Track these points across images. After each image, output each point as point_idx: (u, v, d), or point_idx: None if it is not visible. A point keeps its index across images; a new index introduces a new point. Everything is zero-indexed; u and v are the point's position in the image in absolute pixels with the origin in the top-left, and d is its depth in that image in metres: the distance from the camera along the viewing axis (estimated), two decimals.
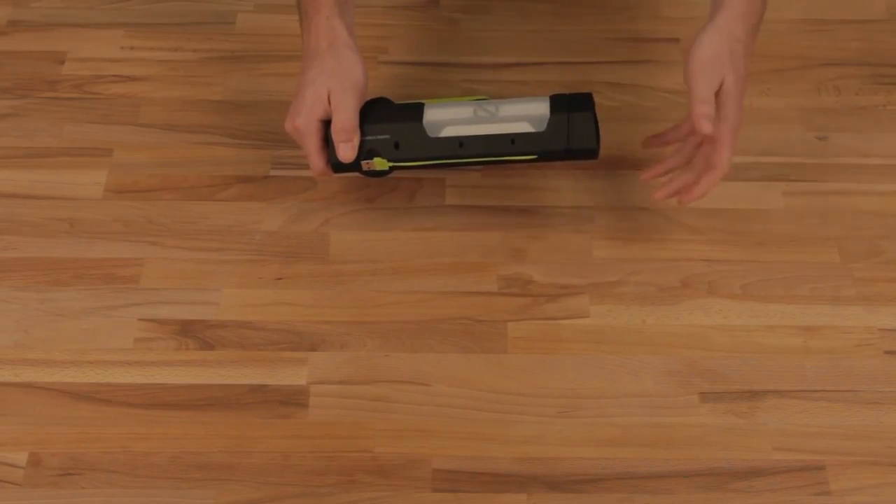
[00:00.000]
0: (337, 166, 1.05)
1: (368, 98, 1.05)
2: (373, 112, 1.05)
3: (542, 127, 1.02)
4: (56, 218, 1.12)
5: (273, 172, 1.16)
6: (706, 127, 0.98)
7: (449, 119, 1.04)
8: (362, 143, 1.04)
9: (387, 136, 1.04)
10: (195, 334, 1.03)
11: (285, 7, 1.32)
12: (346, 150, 1.04)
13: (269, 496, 0.94)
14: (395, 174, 1.15)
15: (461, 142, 1.03)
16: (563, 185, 1.15)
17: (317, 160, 1.05)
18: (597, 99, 1.05)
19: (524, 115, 1.03)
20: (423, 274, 1.09)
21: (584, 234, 1.12)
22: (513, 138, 1.03)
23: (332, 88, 1.03)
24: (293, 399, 1.00)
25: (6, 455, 0.96)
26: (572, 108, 1.03)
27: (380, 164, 1.05)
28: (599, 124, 1.04)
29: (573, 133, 1.03)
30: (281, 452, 0.96)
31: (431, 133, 1.04)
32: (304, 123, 1.03)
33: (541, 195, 1.14)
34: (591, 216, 1.13)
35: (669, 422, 0.99)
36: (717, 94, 1.00)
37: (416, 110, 1.05)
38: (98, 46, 1.28)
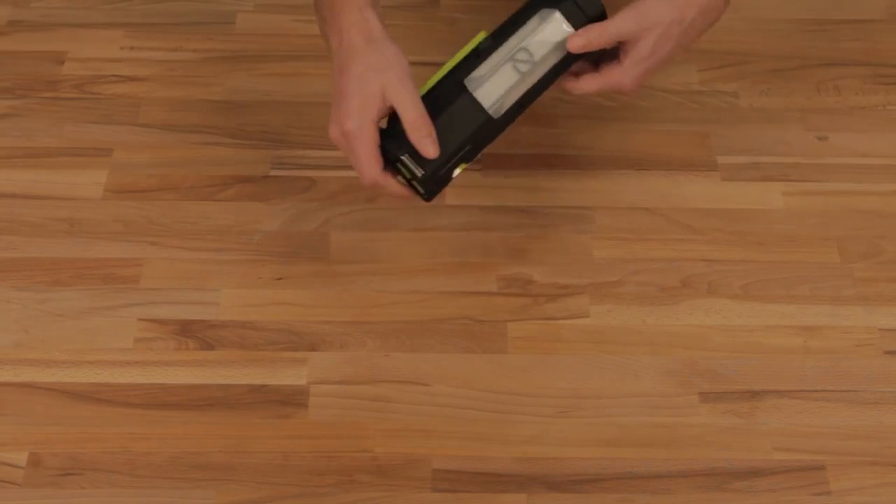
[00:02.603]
0: (428, 181, 0.97)
1: None
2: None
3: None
4: (56, 218, 1.12)
5: (273, 172, 1.16)
6: (572, 41, 1.00)
7: (504, 93, 1.00)
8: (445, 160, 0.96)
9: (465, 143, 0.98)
10: (195, 334, 1.03)
11: (285, 7, 1.33)
12: (429, 146, 0.95)
13: (268, 496, 0.94)
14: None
15: (521, 102, 1.01)
16: (563, 185, 1.15)
17: (372, 166, 0.96)
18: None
19: (553, 42, 1.01)
20: (423, 274, 1.09)
21: (584, 234, 1.12)
22: (556, 69, 1.02)
23: (387, 83, 0.95)
24: (293, 399, 1.00)
25: (6, 455, 0.96)
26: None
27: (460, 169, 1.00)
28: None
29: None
30: (281, 452, 0.96)
31: (496, 115, 0.99)
32: (356, 126, 0.94)
33: (541, 195, 1.14)
34: (591, 216, 1.13)
35: (669, 422, 0.99)
36: (625, 47, 1.02)
37: (467, 101, 0.98)
38: (98, 46, 1.28)
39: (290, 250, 1.10)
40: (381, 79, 0.95)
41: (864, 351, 1.03)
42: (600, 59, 1.04)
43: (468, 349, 1.03)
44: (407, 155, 0.96)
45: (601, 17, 1.02)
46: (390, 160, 0.97)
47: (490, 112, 0.99)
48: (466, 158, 0.99)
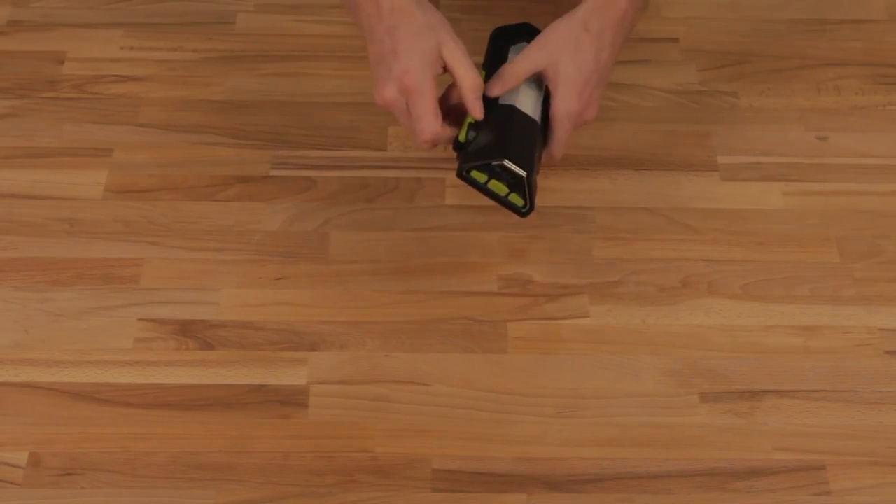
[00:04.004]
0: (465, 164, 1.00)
1: None
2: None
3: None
4: (56, 218, 1.12)
5: (273, 172, 1.16)
6: (489, 88, 1.01)
7: (534, 104, 1.04)
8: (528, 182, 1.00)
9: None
10: (195, 334, 1.03)
11: (285, 7, 1.33)
12: (478, 108, 0.98)
13: (269, 496, 0.94)
14: (395, 174, 1.16)
15: (543, 112, 1.05)
16: (563, 185, 1.15)
17: (435, 120, 0.96)
18: None
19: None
20: (423, 274, 1.09)
21: (584, 234, 1.12)
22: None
23: (443, 41, 0.95)
24: (293, 399, 1.00)
25: (6, 455, 0.96)
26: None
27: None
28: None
29: None
30: (281, 452, 0.96)
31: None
32: (418, 80, 0.94)
33: (541, 195, 1.14)
34: (591, 216, 1.13)
35: (669, 422, 0.99)
36: (549, 77, 1.02)
37: (519, 114, 1.02)
38: (98, 46, 1.28)
39: (290, 250, 1.10)
40: (436, 36, 0.96)
41: (864, 351, 1.03)
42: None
43: (468, 349, 1.03)
44: (508, 159, 0.99)
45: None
46: (484, 168, 1.00)
47: (537, 119, 1.03)
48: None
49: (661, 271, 1.09)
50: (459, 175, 1.01)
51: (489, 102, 1.03)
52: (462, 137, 1.02)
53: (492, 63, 1.07)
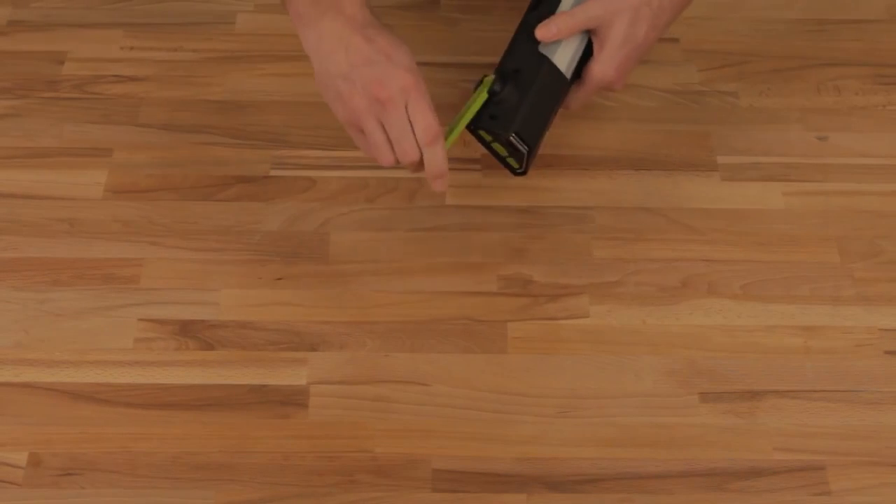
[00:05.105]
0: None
1: None
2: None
3: None
4: (56, 218, 1.12)
5: (273, 172, 1.16)
6: (541, 30, 1.01)
7: (573, 54, 1.03)
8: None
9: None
10: (195, 334, 1.03)
11: None
12: (439, 185, 0.99)
13: (269, 496, 0.94)
14: (395, 174, 1.16)
15: (582, 60, 1.04)
16: (563, 185, 1.15)
17: (435, 118, 0.96)
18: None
19: None
20: (423, 274, 1.09)
21: (584, 234, 1.12)
22: None
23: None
24: (293, 399, 1.00)
25: (6, 455, 0.96)
26: None
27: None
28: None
29: None
30: (281, 452, 0.96)
31: (569, 77, 1.03)
32: (415, 79, 0.95)
33: (541, 195, 1.14)
34: (591, 216, 1.13)
35: (669, 422, 0.99)
36: (598, 35, 1.02)
37: (548, 69, 1.02)
38: (98, 46, 1.28)
39: (290, 250, 1.10)
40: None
41: (864, 351, 1.03)
42: (581, 65, 1.05)
43: (468, 349, 1.03)
44: (514, 135, 1.01)
45: None
46: (488, 139, 1.02)
47: (567, 76, 1.02)
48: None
49: (661, 271, 1.09)
50: (467, 128, 1.03)
51: (527, 45, 1.02)
52: (487, 85, 1.01)
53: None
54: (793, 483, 0.95)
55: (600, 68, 1.03)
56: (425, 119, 0.96)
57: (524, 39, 1.04)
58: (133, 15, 1.32)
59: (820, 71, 1.28)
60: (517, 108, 1.02)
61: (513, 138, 1.01)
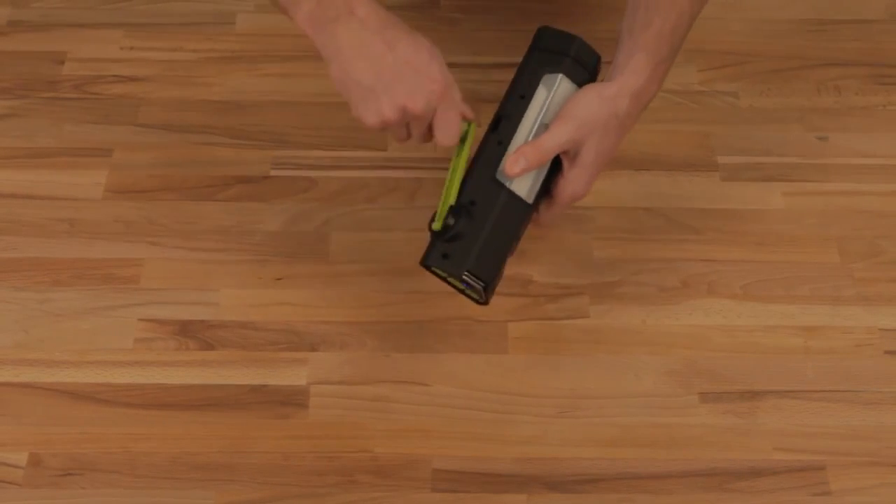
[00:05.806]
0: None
1: None
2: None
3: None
4: (56, 218, 1.12)
5: (273, 172, 1.16)
6: (510, 167, 0.94)
7: (535, 177, 0.97)
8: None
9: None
10: (195, 334, 1.03)
11: None
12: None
13: (269, 496, 0.94)
14: (395, 174, 1.16)
15: (546, 181, 0.98)
16: None
17: (458, 128, 0.93)
18: None
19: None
20: (423, 274, 1.08)
21: (584, 234, 1.12)
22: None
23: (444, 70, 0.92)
24: (293, 399, 1.00)
25: (6, 455, 0.96)
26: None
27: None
28: None
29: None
30: (281, 452, 0.96)
31: (531, 201, 0.96)
32: (448, 85, 0.91)
33: None
34: (591, 216, 1.13)
35: (669, 422, 0.99)
36: (569, 155, 0.97)
37: (508, 197, 0.94)
38: (98, 46, 1.28)
39: (290, 250, 1.10)
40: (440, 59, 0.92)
41: (864, 351, 1.03)
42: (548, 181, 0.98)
43: (468, 349, 1.03)
44: (468, 273, 0.94)
45: (597, 66, 0.98)
46: (443, 274, 0.95)
47: (529, 201, 0.95)
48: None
49: (661, 271, 1.09)
50: (421, 264, 0.96)
51: (484, 171, 0.95)
52: (437, 225, 0.94)
53: (519, 89, 0.98)
54: (793, 483, 0.95)
55: (570, 187, 0.97)
56: (450, 130, 0.93)
57: (482, 164, 0.95)
58: (133, 15, 1.33)
59: (820, 71, 1.28)
60: (471, 244, 0.93)
61: (466, 276, 0.93)
